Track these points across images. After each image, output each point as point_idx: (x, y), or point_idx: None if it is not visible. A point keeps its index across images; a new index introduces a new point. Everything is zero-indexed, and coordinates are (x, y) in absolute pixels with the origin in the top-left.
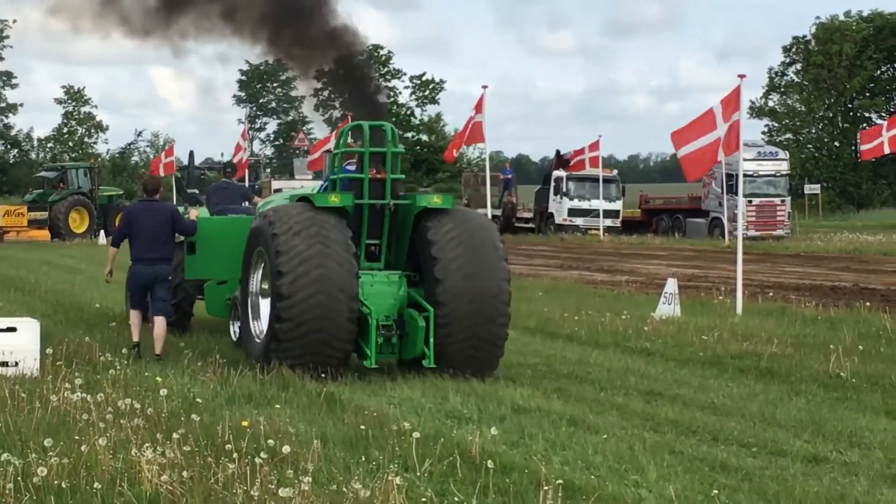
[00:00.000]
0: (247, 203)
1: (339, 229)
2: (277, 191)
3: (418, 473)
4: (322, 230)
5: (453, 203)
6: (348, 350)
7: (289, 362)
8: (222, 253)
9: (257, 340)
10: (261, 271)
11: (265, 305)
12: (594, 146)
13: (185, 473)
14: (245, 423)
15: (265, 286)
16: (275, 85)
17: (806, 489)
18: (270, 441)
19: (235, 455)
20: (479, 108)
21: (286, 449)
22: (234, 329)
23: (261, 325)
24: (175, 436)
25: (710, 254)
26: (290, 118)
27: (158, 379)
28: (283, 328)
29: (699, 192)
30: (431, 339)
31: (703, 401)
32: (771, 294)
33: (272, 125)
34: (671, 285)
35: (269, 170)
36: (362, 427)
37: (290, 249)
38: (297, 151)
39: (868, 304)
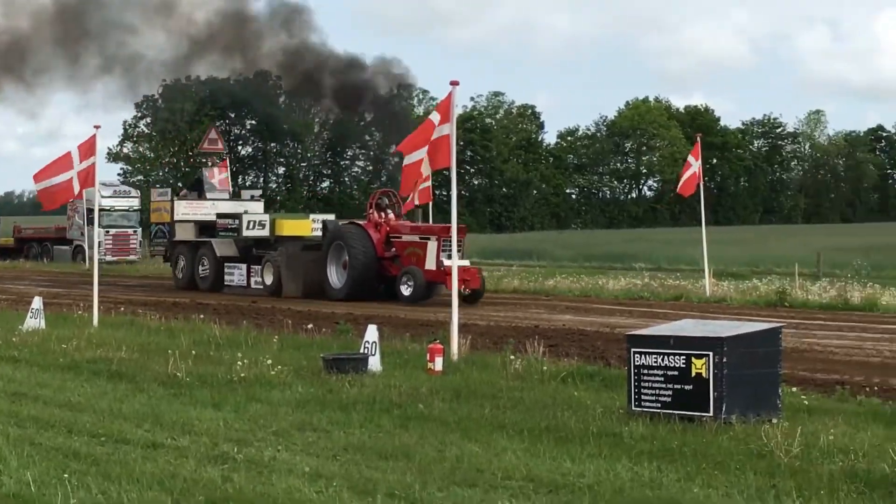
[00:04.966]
0: None
1: None
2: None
3: None
4: None
5: None
6: None
7: None
8: None
9: None
10: None
11: None
12: None
13: None
14: None
15: None
16: None
17: (144, 470)
18: None
19: None
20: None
21: None
22: None
23: None
24: None
25: (73, 276)
26: None
27: None
28: None
29: (65, 224)
30: None
31: (61, 399)
32: (122, 309)
33: None
34: (37, 302)
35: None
36: None
37: None
38: (207, 161)
39: (202, 316)
